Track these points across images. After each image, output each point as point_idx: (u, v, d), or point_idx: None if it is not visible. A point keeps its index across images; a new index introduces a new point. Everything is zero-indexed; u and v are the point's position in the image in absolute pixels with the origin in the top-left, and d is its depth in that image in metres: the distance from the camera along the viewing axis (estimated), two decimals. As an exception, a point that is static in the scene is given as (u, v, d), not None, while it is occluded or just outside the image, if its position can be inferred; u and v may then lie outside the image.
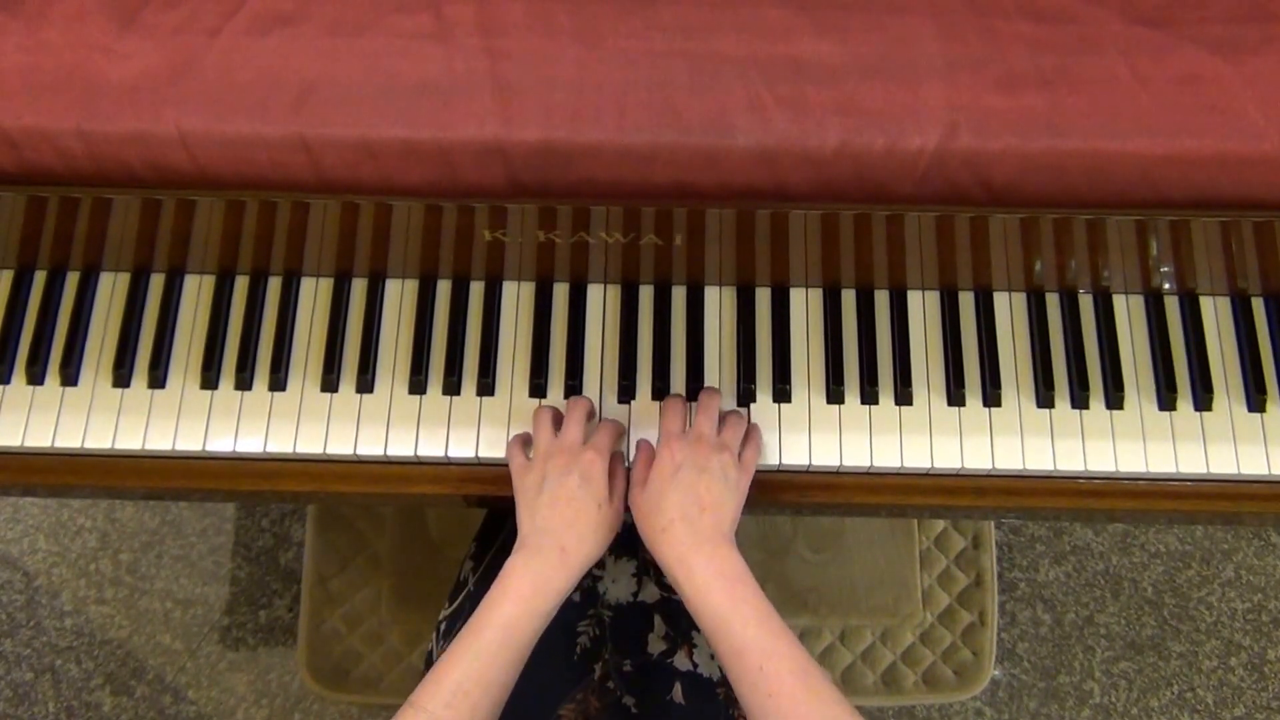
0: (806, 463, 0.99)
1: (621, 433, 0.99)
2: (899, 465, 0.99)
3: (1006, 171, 0.88)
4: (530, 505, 0.90)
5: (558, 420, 0.95)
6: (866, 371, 1.01)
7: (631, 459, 0.96)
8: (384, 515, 1.49)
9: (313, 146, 0.87)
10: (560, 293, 1.04)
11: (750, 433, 0.97)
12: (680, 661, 1.02)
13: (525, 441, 0.97)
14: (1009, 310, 1.04)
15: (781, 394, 1.01)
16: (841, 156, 0.87)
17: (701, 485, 0.88)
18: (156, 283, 1.04)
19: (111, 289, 1.04)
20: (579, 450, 0.91)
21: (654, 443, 0.97)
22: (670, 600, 1.08)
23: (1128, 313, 1.04)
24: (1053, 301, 1.04)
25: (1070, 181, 0.88)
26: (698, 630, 1.05)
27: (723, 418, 0.96)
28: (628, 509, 0.93)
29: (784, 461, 0.99)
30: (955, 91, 0.87)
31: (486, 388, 1.01)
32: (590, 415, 0.97)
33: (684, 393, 1.01)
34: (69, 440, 0.99)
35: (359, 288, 1.04)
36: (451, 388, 1.01)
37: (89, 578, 1.83)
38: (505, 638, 0.84)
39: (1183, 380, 1.01)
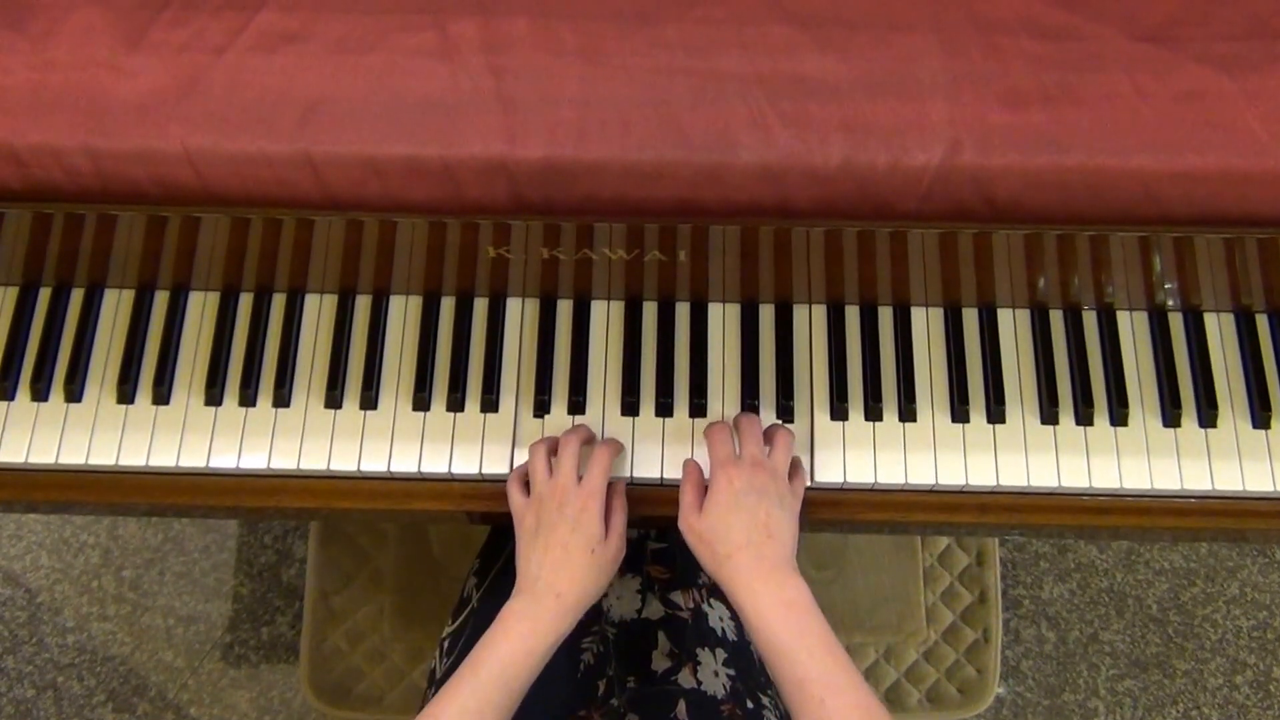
0: (810, 480, 0.99)
1: (619, 452, 0.98)
2: (903, 482, 0.99)
3: (1010, 187, 0.88)
4: (526, 550, 0.91)
5: (554, 450, 0.95)
6: (870, 388, 1.01)
7: (680, 480, 0.94)
8: (386, 532, 1.48)
9: (318, 163, 0.87)
10: (564, 309, 1.05)
11: (796, 462, 0.97)
12: (684, 679, 1.02)
13: (525, 475, 0.97)
14: (1013, 326, 1.04)
15: (785, 411, 1.01)
16: (845, 173, 0.87)
17: (763, 510, 0.88)
18: (161, 299, 1.04)
19: (116, 305, 1.04)
20: (571, 493, 0.90)
21: (696, 459, 0.96)
22: (674, 617, 1.07)
23: (1132, 329, 1.04)
24: (1056, 318, 1.04)
25: (1073, 197, 0.88)
26: (702, 647, 1.04)
27: (767, 436, 0.95)
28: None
29: (788, 478, 0.99)
30: (959, 108, 0.87)
31: (490, 404, 1.01)
32: (589, 440, 0.96)
33: (688, 411, 1.01)
34: (73, 456, 0.99)
35: (363, 304, 1.04)
36: (455, 404, 1.01)
37: (91, 594, 1.82)
38: (502, 673, 0.85)
39: (1187, 397, 1.01)
